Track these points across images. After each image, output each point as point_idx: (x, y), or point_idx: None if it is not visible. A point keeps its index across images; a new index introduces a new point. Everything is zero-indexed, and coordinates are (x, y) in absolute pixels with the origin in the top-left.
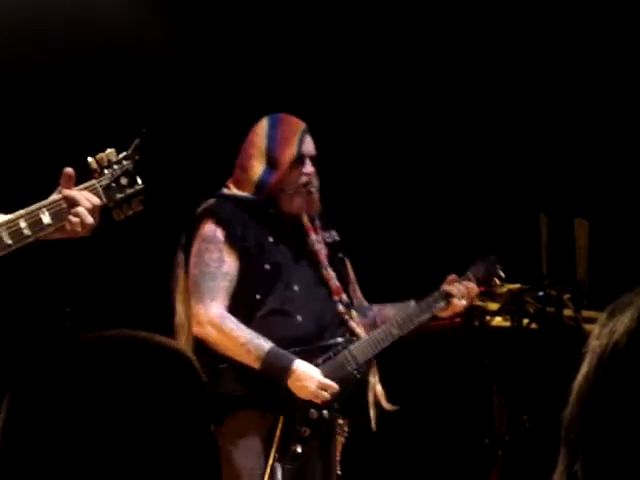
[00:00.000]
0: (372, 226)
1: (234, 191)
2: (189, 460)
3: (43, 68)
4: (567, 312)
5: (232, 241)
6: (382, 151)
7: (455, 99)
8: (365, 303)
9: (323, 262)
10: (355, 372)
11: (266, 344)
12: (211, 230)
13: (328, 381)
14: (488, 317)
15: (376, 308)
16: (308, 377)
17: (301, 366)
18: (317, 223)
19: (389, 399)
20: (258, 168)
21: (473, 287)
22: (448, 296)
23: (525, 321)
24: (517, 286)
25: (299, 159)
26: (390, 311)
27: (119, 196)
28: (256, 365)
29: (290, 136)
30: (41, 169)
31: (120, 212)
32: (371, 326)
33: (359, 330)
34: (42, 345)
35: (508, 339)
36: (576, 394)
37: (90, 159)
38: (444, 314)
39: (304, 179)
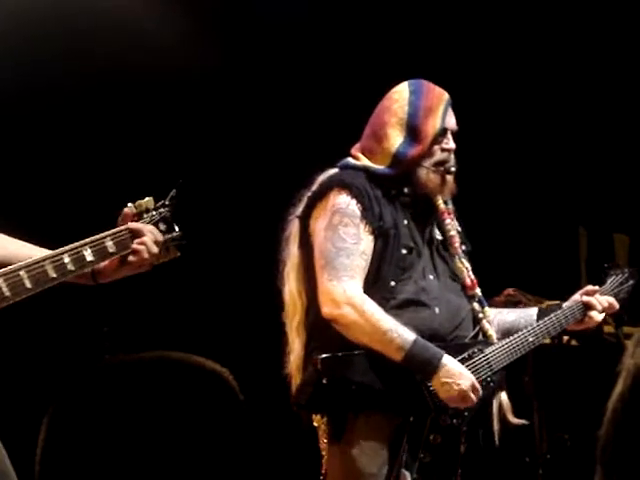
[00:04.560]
0: None
1: (365, 162)
2: (228, 476)
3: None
4: (608, 328)
5: (369, 218)
6: None
7: (499, 114)
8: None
9: (457, 251)
10: (489, 380)
11: (411, 334)
12: (345, 202)
13: (478, 385)
14: None
15: (494, 311)
16: (460, 375)
17: (451, 362)
18: (450, 207)
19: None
20: (396, 138)
21: (614, 304)
22: (587, 308)
23: (565, 338)
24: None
25: (442, 132)
26: (509, 316)
27: None
28: (398, 356)
29: (435, 106)
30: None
31: (158, 257)
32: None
33: (492, 332)
34: (81, 367)
35: (548, 356)
36: (611, 413)
37: (129, 205)
38: (572, 328)
39: (444, 155)
